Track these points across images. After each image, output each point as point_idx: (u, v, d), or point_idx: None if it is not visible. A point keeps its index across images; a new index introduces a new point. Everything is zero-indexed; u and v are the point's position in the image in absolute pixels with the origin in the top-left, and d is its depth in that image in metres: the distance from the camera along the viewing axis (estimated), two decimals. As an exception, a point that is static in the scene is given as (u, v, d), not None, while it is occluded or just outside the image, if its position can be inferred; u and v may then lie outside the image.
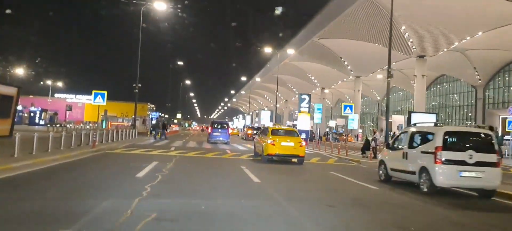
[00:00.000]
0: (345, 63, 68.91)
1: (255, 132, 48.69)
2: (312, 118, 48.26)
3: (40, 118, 57.35)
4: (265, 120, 71.60)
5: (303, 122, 41.55)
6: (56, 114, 65.32)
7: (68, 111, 58.97)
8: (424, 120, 23.71)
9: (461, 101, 75.96)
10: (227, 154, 24.69)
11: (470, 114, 74.94)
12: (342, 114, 31.38)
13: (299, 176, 16.74)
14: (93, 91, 28.06)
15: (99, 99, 27.63)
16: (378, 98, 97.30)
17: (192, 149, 28.08)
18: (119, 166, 16.42)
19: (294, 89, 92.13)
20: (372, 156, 26.47)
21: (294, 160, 21.45)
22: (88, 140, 24.90)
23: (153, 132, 41.20)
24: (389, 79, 26.11)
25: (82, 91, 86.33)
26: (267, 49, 55.69)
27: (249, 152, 28.02)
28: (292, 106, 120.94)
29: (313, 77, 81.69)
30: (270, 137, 21.27)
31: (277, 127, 26.03)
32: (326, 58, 69.80)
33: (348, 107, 30.76)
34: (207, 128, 47.19)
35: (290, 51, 58.22)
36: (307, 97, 42.67)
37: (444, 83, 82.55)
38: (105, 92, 27.88)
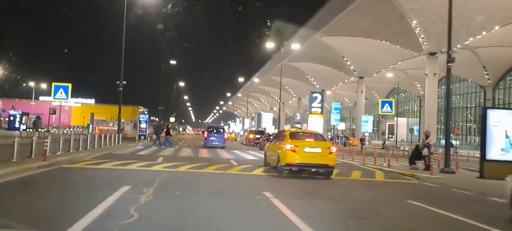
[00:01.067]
0: (348, 63, 62.23)
1: (257, 136, 41.72)
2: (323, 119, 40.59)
3: (20, 122, 49.61)
4: (267, 122, 64.00)
5: (315, 125, 34.06)
6: (39, 118, 57.64)
7: (52, 115, 51.30)
8: (505, 117, 16.43)
9: (469, 102, 69.22)
10: (234, 167, 17.19)
11: (470, 117, 68.70)
12: (380, 112, 23.82)
13: (374, 214, 9.06)
14: (53, 84, 20.29)
15: (61, 94, 19.93)
16: (379, 99, 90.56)
17: (187, 159, 20.65)
18: (52, 200, 8.73)
19: (292, 92, 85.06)
20: (424, 167, 19.30)
21: (320, 170, 15.29)
22: (55, 147, 17.86)
23: (155, 137, 33.51)
24: (449, 64, 18.64)
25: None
26: (269, 45, 48.10)
27: (258, 162, 20.89)
28: (289, 110, 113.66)
29: (312, 79, 74.58)
30: (289, 141, 15.25)
31: (295, 129, 19.28)
32: (327, 58, 63.25)
33: (386, 104, 23.14)
34: (203, 132, 43.05)
35: (295, 46, 50.80)
36: (319, 96, 34.98)
37: (401, 93, 79.07)
38: (69, 85, 20.14)
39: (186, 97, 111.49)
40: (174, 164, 16.95)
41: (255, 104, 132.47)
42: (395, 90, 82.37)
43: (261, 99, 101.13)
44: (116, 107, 72.09)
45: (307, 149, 14.85)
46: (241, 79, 75.79)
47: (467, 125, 70.75)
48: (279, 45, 49.76)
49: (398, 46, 52.55)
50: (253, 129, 69.01)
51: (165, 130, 33.14)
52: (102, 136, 27.64)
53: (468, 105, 69.27)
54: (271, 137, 29.06)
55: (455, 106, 69.99)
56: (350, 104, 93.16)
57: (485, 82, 62.98)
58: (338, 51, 60.26)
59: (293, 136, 15.94)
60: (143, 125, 38.61)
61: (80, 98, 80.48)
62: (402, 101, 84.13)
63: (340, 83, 73.41)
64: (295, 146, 14.79)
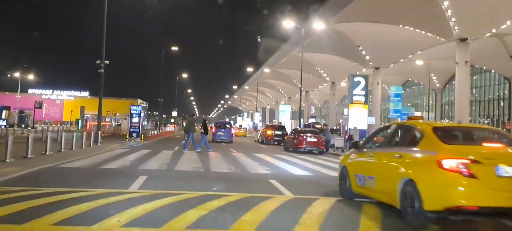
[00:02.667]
0: (363, 52, 53.38)
1: (278, 132, 32.93)
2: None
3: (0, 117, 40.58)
4: (285, 116, 53.91)
5: (357, 119, 24.76)
6: (22, 113, 48.39)
7: (38, 110, 42.33)
8: None
9: (491, 94, 60.34)
10: (295, 205, 7.65)
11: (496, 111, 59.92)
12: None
13: None
14: None
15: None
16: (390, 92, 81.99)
17: (188, 177, 11.57)
18: None
19: (299, 85, 75.74)
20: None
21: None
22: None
23: (185, 136, 23.21)
24: None
25: (62, 86, 69.09)
26: (287, 24, 39.09)
27: (320, 181, 11.79)
28: (294, 104, 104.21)
29: (322, 71, 65.56)
30: (446, 150, 5.94)
31: (441, 123, 10.79)
32: (340, 48, 54.49)
33: None
34: (211, 128, 36.41)
35: (318, 25, 41.85)
36: (362, 81, 25.18)
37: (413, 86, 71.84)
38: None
39: (189, 90, 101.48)
40: (164, 186, 8.09)
41: (261, 99, 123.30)
42: (408, 83, 73.59)
43: (267, 93, 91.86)
44: (116, 101, 62.38)
45: (502, 170, 5.67)
46: (249, 70, 66.06)
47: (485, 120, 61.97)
48: (299, 25, 40.80)
49: (422, 32, 45.24)
50: (268, 124, 59.12)
51: (202, 126, 22.71)
52: (74, 135, 18.68)
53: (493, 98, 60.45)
54: (304, 135, 20.42)
55: (475, 99, 61.35)
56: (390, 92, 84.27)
57: (512, 73, 54.32)
58: (353, 40, 51.64)
59: (448, 135, 6.71)
60: (135, 119, 29.37)
61: (73, 91, 70.13)
62: (415, 95, 75.37)
63: (364, 69, 64.38)
64: (471, 161, 5.70)
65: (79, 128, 37.98)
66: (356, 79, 25.46)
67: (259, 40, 62.26)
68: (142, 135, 29.25)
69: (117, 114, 59.84)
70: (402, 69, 60.49)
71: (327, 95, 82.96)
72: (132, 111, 29.68)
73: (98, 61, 22.99)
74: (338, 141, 25.51)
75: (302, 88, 78.73)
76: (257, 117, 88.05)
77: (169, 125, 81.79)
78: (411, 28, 44.93)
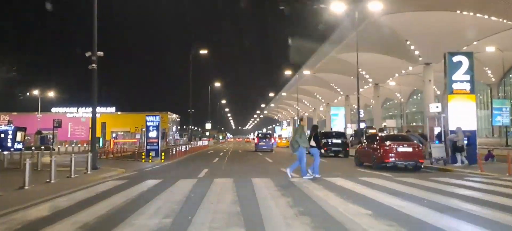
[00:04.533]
0: (412, 47, 44.07)
1: (336, 141, 23.98)
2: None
3: (14, 140, 33.08)
4: (339, 121, 43.23)
5: (461, 115, 15.19)
6: (40, 134, 40.64)
7: (64, 129, 34.84)
8: None
9: None
10: None
11: None
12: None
13: None
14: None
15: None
16: (402, 100, 72.28)
17: None
18: None
19: (338, 89, 66.58)
20: None
21: None
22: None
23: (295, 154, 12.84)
24: None
25: (86, 103, 60.57)
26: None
27: None
28: (321, 114, 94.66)
29: (364, 72, 56.10)
30: None
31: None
32: (385, 44, 45.57)
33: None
34: (252, 139, 42.65)
35: (376, 4, 33.16)
36: (465, 61, 15.74)
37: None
38: None
39: (223, 101, 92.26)
40: None
41: (297, 107, 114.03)
42: (416, 91, 63.33)
43: (304, 100, 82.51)
44: (142, 115, 55.37)
45: None
46: (287, 73, 56.54)
47: None
48: (348, 12, 32.41)
49: (484, 17, 36.52)
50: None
51: (312, 136, 13.23)
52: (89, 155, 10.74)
53: None
54: (393, 142, 11.87)
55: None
56: (402, 99, 74.09)
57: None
58: (400, 34, 42.59)
59: None
60: (152, 133, 20.94)
61: (99, 108, 61.56)
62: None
63: (397, 75, 54.89)
64: None
65: (101, 146, 29.97)
66: (455, 58, 16.16)
67: (289, 42, 53.48)
68: (163, 153, 20.79)
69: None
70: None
71: (366, 99, 73.26)
72: (148, 124, 21.20)
73: (88, 53, 14.75)
74: (436, 149, 16.25)
75: (341, 93, 69.81)
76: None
77: (204, 138, 73.32)
78: (471, 13, 36.48)
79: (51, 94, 47.00)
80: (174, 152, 23.24)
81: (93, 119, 15.57)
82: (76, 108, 59.10)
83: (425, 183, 10.96)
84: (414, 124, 69.14)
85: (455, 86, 16.40)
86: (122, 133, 50.92)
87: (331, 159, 22.18)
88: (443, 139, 16.85)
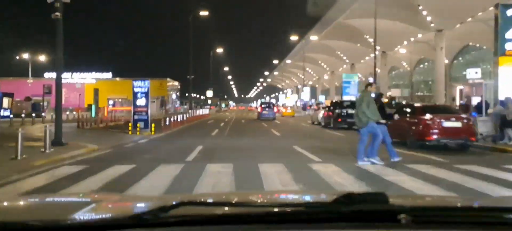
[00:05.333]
0: (424, 13, 39.90)
1: (352, 111, 20.46)
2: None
3: (0, 106, 29.70)
4: (353, 89, 37.36)
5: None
6: (29, 100, 37.03)
7: (48, 95, 31.41)
8: None
9: None
10: None
11: None
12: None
13: None
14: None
15: None
16: (408, 69, 67.95)
17: None
18: None
19: (344, 58, 62.58)
20: None
21: None
22: None
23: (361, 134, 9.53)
24: None
25: (82, 68, 56.52)
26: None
27: None
28: (337, 80, 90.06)
29: (371, 40, 51.94)
30: None
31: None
32: (394, 9, 41.30)
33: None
34: (256, 108, 44.17)
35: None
36: None
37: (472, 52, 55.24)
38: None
39: (226, 68, 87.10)
40: None
41: (293, 79, 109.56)
42: (466, 49, 58.95)
43: (308, 69, 78.16)
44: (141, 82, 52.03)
45: None
46: (293, 38, 51.86)
47: None
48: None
49: None
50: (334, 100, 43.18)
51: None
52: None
53: None
54: (435, 116, 8.35)
55: None
56: (408, 68, 69.97)
57: None
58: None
59: None
60: (140, 101, 17.21)
61: (94, 73, 56.54)
62: (473, 61, 60.86)
63: (405, 42, 50.82)
64: None
65: (93, 116, 26.53)
66: (510, 12, 12.45)
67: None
68: (153, 124, 17.23)
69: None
70: (459, 32, 46.35)
71: (371, 68, 69.19)
72: (136, 90, 17.67)
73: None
74: (483, 124, 12.76)
75: (347, 61, 65.85)
76: (306, 92, 70.01)
77: (207, 106, 69.27)
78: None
79: (42, 58, 42.64)
80: (167, 122, 19.66)
81: (58, 83, 12.04)
82: (70, 73, 54.15)
83: (499, 173, 7.54)
84: (419, 93, 65.32)
85: (508, 46, 12.68)
86: (120, 100, 47.10)
87: (345, 132, 18.74)
88: (484, 112, 13.37)
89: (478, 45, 55.38)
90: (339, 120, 20.05)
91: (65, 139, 11.78)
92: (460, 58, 59.19)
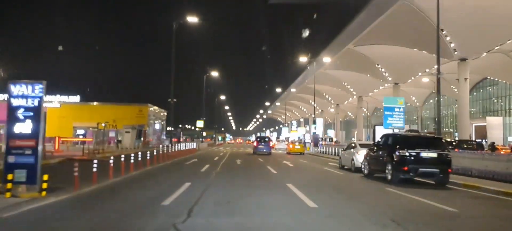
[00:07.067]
0: (448, 38, 32.88)
1: (432, 155, 10.99)
2: None
3: None
4: (396, 120, 27.65)
5: None
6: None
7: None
8: None
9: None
10: None
11: None
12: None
13: None
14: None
15: None
16: (418, 104, 62.67)
17: None
18: None
19: (351, 89, 55.35)
20: None
21: None
22: None
23: None
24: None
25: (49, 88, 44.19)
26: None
27: None
28: (328, 116, 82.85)
29: (383, 69, 45.04)
30: None
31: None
32: (412, 34, 34.84)
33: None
34: (253, 142, 44.03)
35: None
36: None
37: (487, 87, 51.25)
38: None
39: (223, 97, 77.24)
40: None
41: (295, 112, 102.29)
42: (483, 83, 51.62)
43: (310, 101, 70.74)
44: (120, 107, 40.36)
45: None
46: (302, 59, 43.56)
47: None
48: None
49: None
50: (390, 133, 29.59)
51: None
52: None
53: None
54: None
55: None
56: (417, 104, 62.80)
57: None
58: (434, 21, 31.33)
59: None
60: (21, 126, 8.54)
61: (58, 96, 44.00)
62: (490, 97, 53.77)
63: (427, 70, 43.88)
64: None
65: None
66: None
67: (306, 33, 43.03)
68: (45, 176, 8.93)
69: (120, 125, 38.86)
70: (476, 64, 39.85)
71: (376, 102, 61.90)
72: (14, 102, 8.87)
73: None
74: None
75: (354, 92, 58.60)
76: (319, 124, 59.61)
77: (201, 139, 60.84)
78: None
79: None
80: (111, 164, 11.55)
81: None
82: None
83: None
84: (426, 130, 58.10)
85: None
86: (90, 128, 38.60)
87: (428, 189, 10.78)
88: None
89: (497, 79, 48.54)
90: (405, 168, 11.16)
91: None
92: (475, 93, 52.16)
